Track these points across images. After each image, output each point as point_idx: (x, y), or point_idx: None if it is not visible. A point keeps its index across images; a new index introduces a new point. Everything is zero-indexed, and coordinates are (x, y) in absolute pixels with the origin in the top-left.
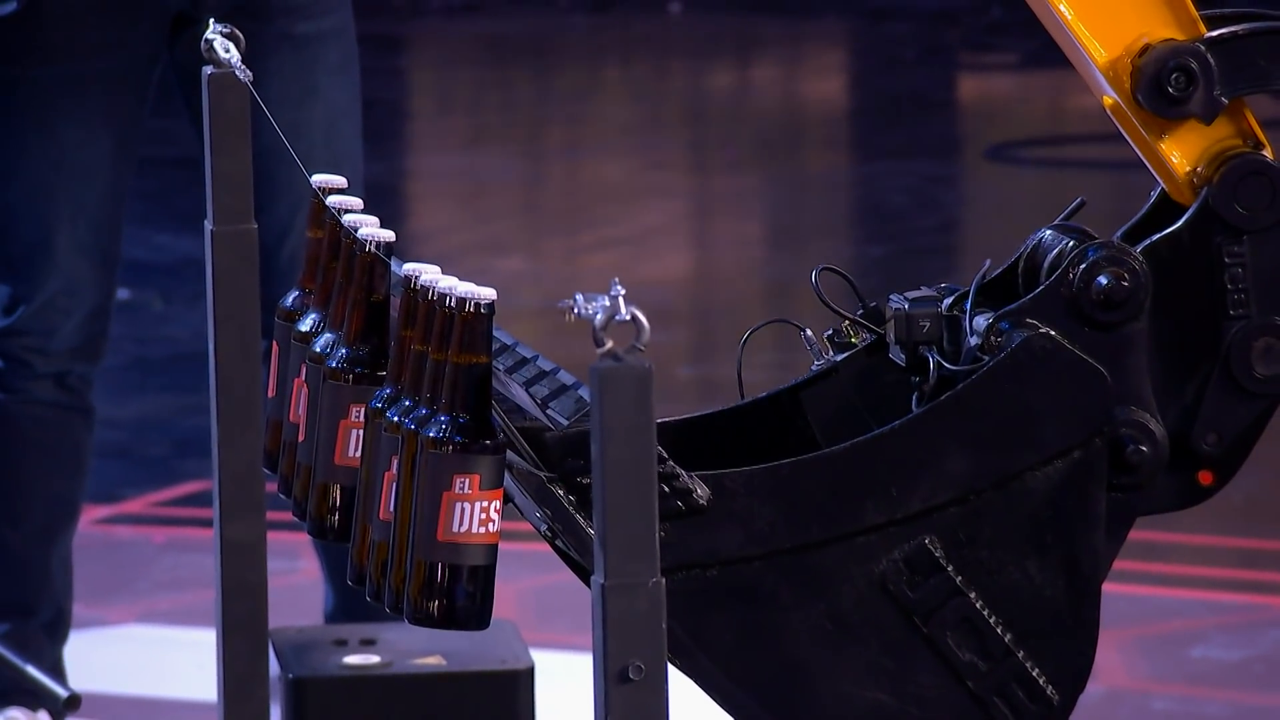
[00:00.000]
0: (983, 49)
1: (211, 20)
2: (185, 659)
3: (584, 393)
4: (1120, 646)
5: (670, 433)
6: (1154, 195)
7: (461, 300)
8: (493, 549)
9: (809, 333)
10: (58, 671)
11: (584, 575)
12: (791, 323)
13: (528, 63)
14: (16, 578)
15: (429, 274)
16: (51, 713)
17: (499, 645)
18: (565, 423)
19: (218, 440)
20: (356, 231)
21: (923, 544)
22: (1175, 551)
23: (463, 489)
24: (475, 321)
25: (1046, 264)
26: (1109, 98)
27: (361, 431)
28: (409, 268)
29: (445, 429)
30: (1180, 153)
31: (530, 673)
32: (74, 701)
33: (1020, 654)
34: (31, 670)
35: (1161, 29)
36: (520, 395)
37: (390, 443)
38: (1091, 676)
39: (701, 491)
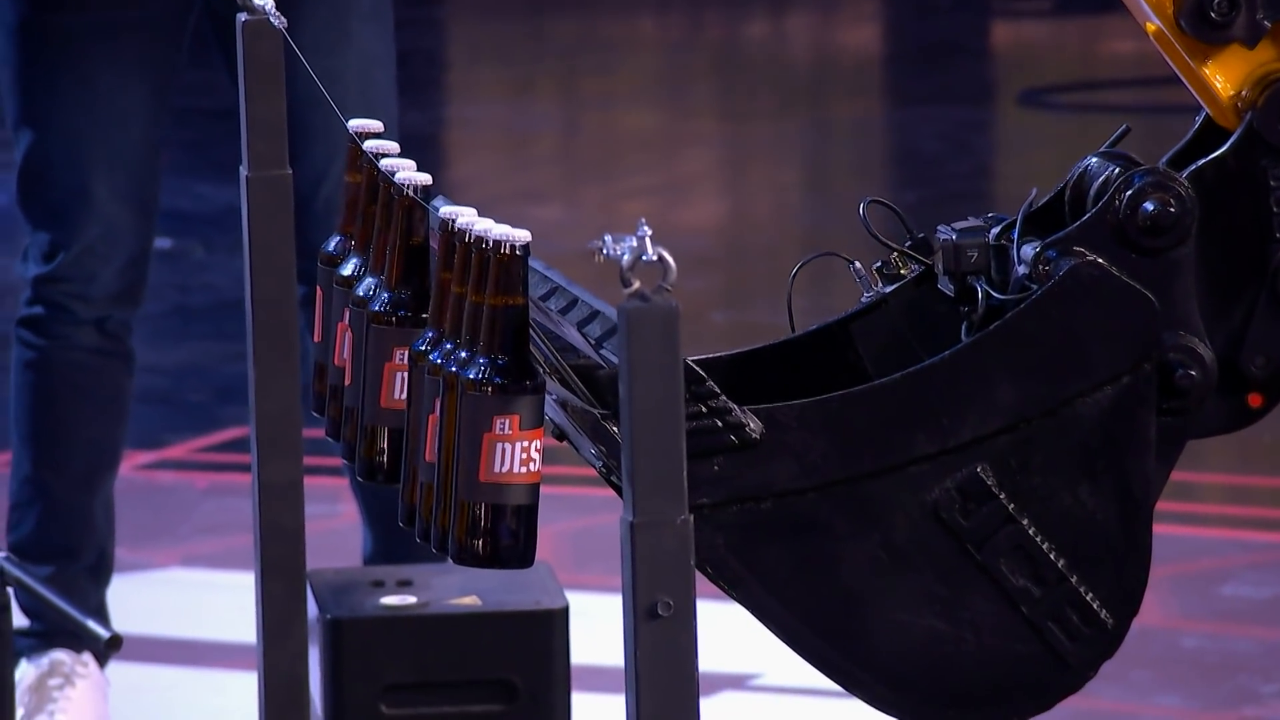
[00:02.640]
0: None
1: None
2: (226, 601)
3: (605, 355)
4: (1151, 585)
5: (722, 367)
6: (1198, 121)
7: (497, 242)
8: (535, 488)
9: (858, 265)
10: (100, 614)
11: None
12: (841, 255)
13: (564, 13)
14: (60, 522)
15: (466, 216)
16: (94, 653)
17: (534, 586)
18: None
19: (254, 384)
20: (394, 175)
21: (975, 472)
22: (1205, 491)
23: (503, 430)
24: (511, 263)
25: (1093, 191)
26: (1152, 24)
27: (406, 374)
28: (446, 211)
29: (484, 371)
30: (1224, 77)
31: (565, 612)
32: (116, 642)
33: (1073, 579)
34: (74, 612)
35: None
36: (573, 335)
37: (433, 385)
38: None
39: (754, 425)
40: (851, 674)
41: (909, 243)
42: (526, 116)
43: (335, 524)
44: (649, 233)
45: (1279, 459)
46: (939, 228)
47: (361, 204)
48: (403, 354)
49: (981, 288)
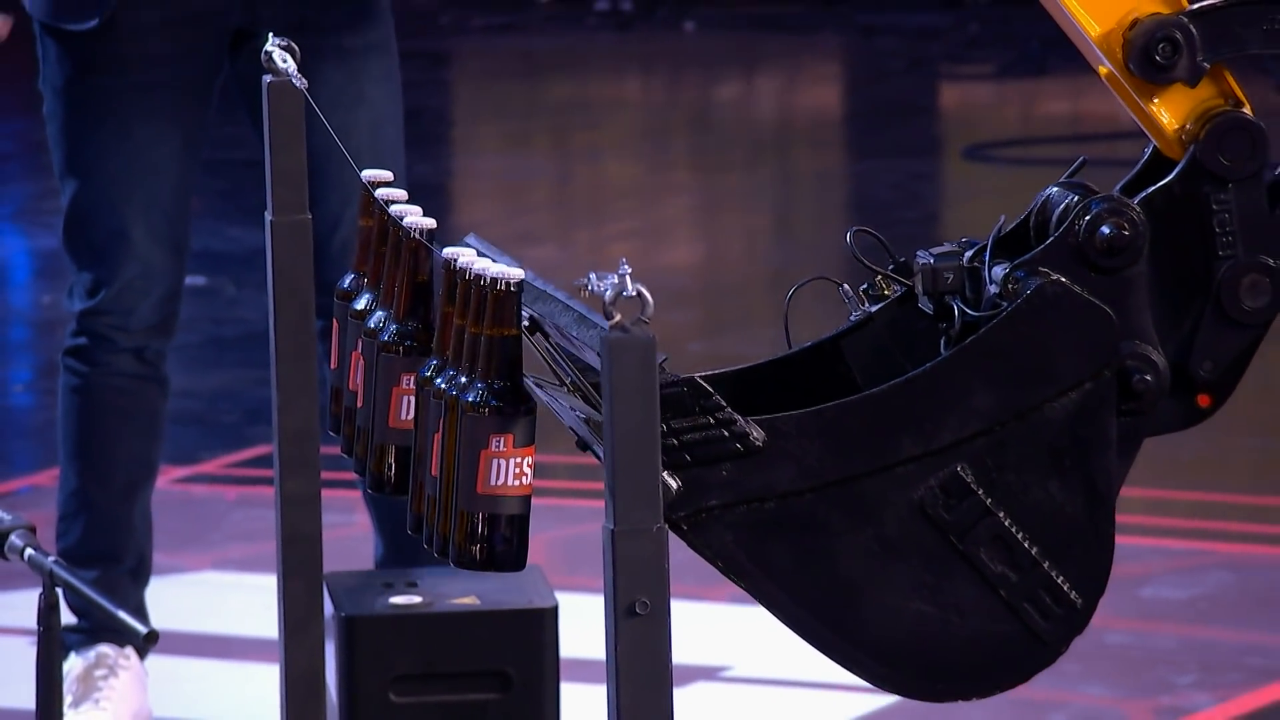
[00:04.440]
0: (961, 61)
1: (270, 34)
2: (252, 601)
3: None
4: None
5: (728, 382)
6: (1146, 153)
7: (494, 279)
8: (526, 500)
9: (846, 287)
10: (140, 612)
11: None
12: (831, 279)
13: (558, 75)
14: (104, 529)
15: (466, 257)
16: (135, 647)
17: (527, 587)
18: None
19: (277, 406)
20: (403, 220)
21: (955, 471)
22: (1130, 504)
23: (498, 447)
24: (506, 298)
25: (1054, 217)
26: (1104, 67)
27: (412, 397)
28: (449, 251)
29: (482, 394)
30: (1169, 113)
31: (554, 611)
32: (153, 637)
33: (1046, 564)
34: (117, 610)
35: (1148, 4)
36: (591, 356)
37: (436, 407)
38: None
39: (757, 434)
40: (849, 655)
41: (891, 266)
42: (523, 167)
43: (350, 532)
44: (629, 271)
45: (1196, 475)
46: (918, 253)
47: (373, 245)
48: (409, 380)
49: (958, 306)
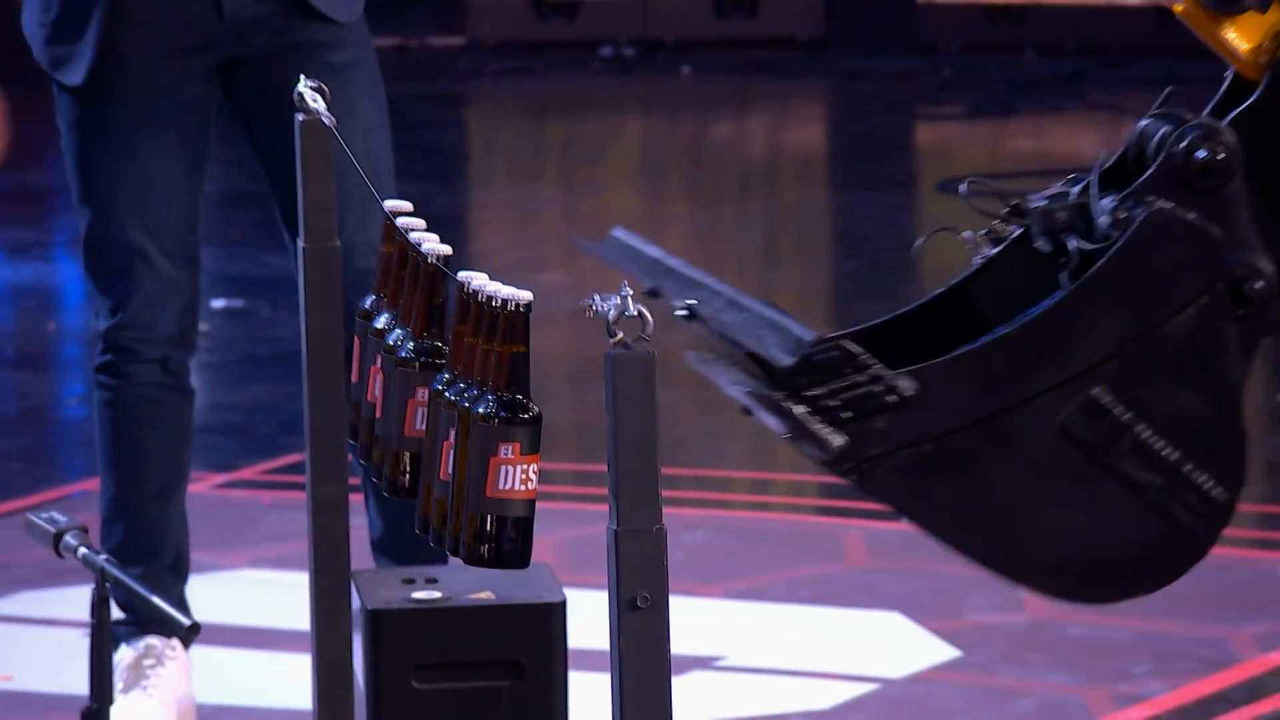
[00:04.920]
0: (935, 103)
1: (302, 76)
2: (286, 596)
3: (794, 329)
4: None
5: (870, 337)
6: (1227, 78)
7: (504, 300)
8: (531, 503)
9: (969, 233)
10: (182, 606)
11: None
12: (953, 229)
13: (565, 115)
14: (143, 530)
15: (479, 280)
16: (180, 638)
17: (537, 583)
18: (790, 358)
19: (309, 418)
20: (421, 246)
21: (1091, 395)
22: None
23: (506, 454)
24: (515, 318)
25: (1151, 147)
26: (1179, 4)
27: (425, 409)
28: (463, 275)
29: (492, 406)
30: (1245, 39)
31: (562, 606)
32: (195, 629)
33: (1187, 467)
34: (162, 604)
35: None
36: (735, 329)
37: (448, 417)
38: (1018, 608)
39: (907, 384)
40: (1019, 572)
41: (1006, 210)
42: (533, 199)
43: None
44: (631, 293)
45: None
46: (1029, 196)
47: (393, 269)
48: (424, 392)
49: (1073, 241)
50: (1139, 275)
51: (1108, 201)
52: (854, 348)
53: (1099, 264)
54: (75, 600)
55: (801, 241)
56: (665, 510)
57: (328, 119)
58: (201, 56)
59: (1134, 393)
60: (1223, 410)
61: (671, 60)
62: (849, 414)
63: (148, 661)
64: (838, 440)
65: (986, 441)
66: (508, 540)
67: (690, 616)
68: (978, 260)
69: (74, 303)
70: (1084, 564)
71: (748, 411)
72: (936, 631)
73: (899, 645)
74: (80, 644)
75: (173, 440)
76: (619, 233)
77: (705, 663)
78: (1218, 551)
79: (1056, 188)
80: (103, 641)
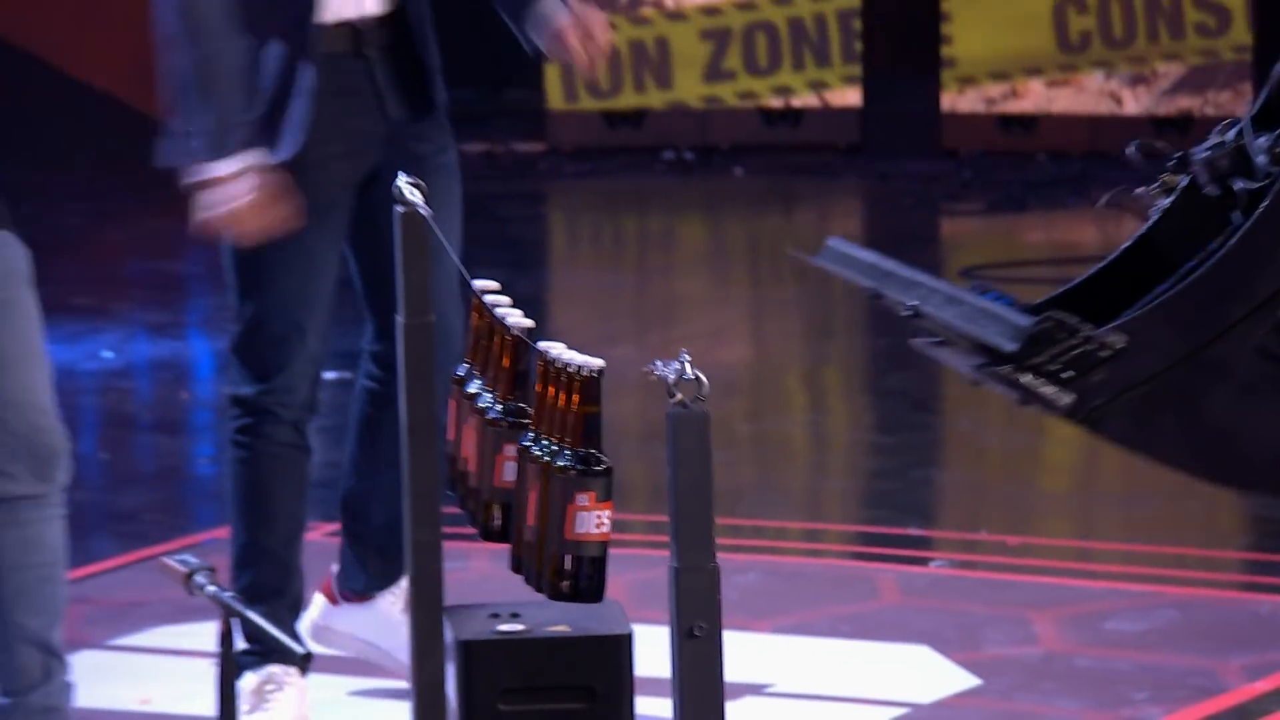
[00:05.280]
0: (956, 200)
1: (399, 173)
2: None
3: (1010, 316)
4: (1054, 621)
5: (1077, 295)
6: None
7: (579, 367)
8: (604, 545)
9: (1144, 190)
10: (296, 638)
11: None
12: (1126, 188)
13: (633, 210)
14: (270, 571)
15: (556, 349)
16: (297, 667)
17: (608, 618)
18: (1012, 344)
19: (408, 472)
20: (506, 321)
21: None
22: (1098, 554)
23: (582, 502)
24: (589, 383)
25: None
26: None
27: (514, 463)
28: (542, 345)
29: (569, 460)
30: None
31: (630, 638)
32: (308, 658)
33: None
34: (280, 635)
35: None
36: (957, 320)
37: (533, 470)
38: (1031, 641)
39: (1117, 337)
40: (1243, 482)
41: (1172, 163)
42: (606, 283)
43: (464, 576)
44: (689, 359)
45: (1150, 532)
46: (1192, 150)
47: (482, 340)
48: (511, 448)
49: (1239, 184)
50: None
51: (1263, 141)
52: (1065, 316)
53: (1267, 199)
54: (204, 633)
55: (842, 320)
56: (721, 555)
57: (424, 210)
58: (362, 159)
59: None
60: None
61: (725, 163)
62: (1070, 373)
63: (269, 687)
64: (1065, 399)
65: (1195, 375)
66: (584, 577)
67: (742, 648)
68: (1154, 213)
69: (204, 375)
70: None
71: (977, 383)
72: (959, 662)
73: (927, 674)
74: (209, 671)
75: (297, 493)
76: (834, 242)
77: (756, 689)
78: (1208, 593)
79: (1213, 137)
80: (228, 669)
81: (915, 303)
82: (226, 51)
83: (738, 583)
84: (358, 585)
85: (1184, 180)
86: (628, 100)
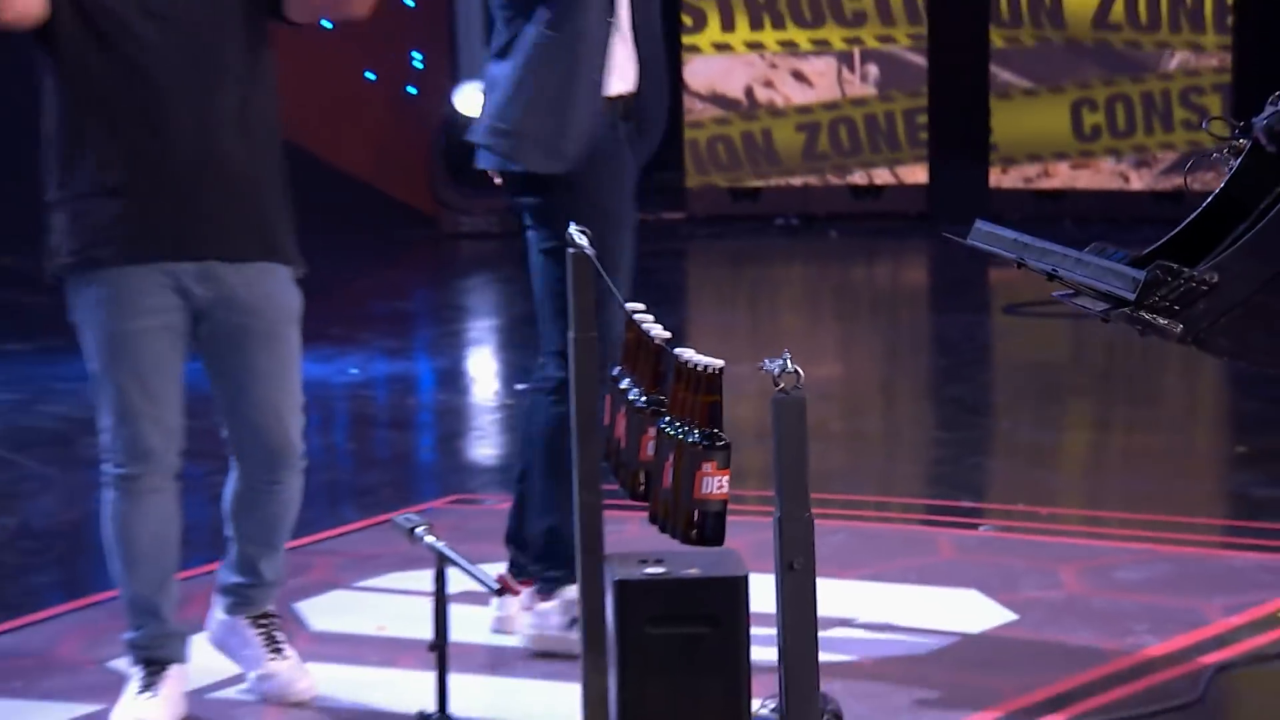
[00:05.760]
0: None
1: (574, 223)
2: None
3: (1127, 271)
4: (1075, 571)
5: (1176, 243)
6: None
7: (705, 366)
8: (724, 503)
9: (1217, 155)
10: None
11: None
12: (1206, 151)
13: (751, 264)
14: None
15: (688, 353)
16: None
17: (730, 563)
18: (1131, 294)
19: (576, 450)
20: (650, 333)
21: None
22: (1108, 521)
23: (707, 470)
24: (712, 378)
25: None
26: None
27: (654, 441)
28: (678, 351)
29: (697, 437)
30: None
31: (745, 579)
32: (502, 590)
33: None
34: (474, 570)
35: None
36: (1086, 276)
37: (669, 445)
38: (1057, 587)
39: (1211, 275)
40: None
41: (1238, 130)
42: (729, 318)
43: (620, 536)
44: (789, 355)
45: (1150, 502)
46: (1253, 120)
47: (633, 348)
48: (653, 430)
49: None
50: None
51: None
52: (1168, 264)
53: None
54: (424, 577)
55: (911, 346)
56: (816, 520)
57: (590, 251)
58: (630, 180)
59: None
60: None
61: (823, 227)
62: (1178, 307)
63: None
64: (1176, 328)
65: (1276, 295)
66: (709, 528)
67: (832, 592)
68: (1228, 171)
69: (426, 386)
70: None
71: (1106, 319)
72: (1001, 603)
73: (975, 612)
74: (428, 603)
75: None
76: (982, 223)
77: (843, 622)
78: (1194, 550)
79: (1268, 108)
80: (441, 601)
81: (1052, 266)
82: (580, 93)
83: (829, 541)
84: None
85: (1248, 144)
86: (747, 180)
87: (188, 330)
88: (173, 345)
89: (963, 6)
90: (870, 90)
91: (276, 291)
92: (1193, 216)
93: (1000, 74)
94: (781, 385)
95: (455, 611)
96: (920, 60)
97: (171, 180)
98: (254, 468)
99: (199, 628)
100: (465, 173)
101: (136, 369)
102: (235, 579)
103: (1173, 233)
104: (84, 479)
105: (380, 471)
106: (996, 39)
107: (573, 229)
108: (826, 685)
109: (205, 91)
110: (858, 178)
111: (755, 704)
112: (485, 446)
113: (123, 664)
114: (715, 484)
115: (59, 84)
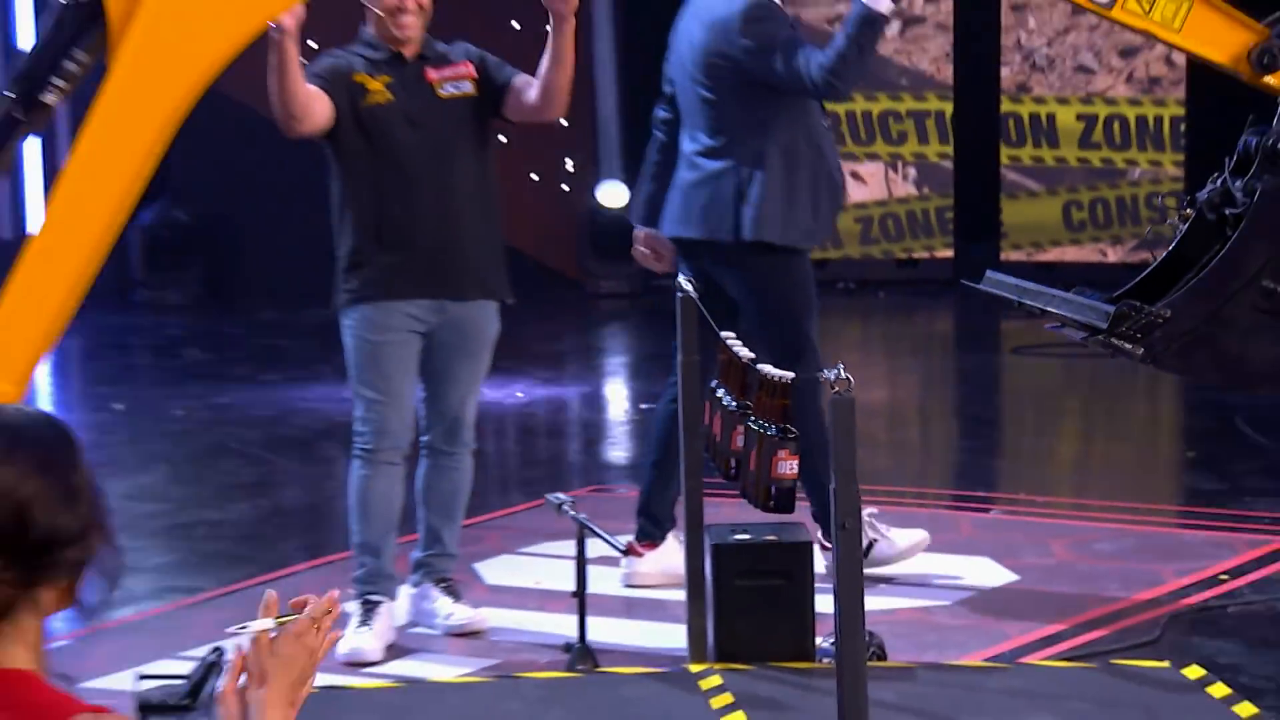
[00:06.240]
0: (1011, 309)
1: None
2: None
3: (1102, 306)
4: (1063, 544)
5: (1139, 287)
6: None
7: (779, 377)
8: (794, 481)
9: (1173, 221)
10: (617, 540)
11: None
12: (1163, 209)
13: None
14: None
15: (766, 368)
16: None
17: (799, 532)
18: (1104, 323)
19: (684, 445)
20: (739, 353)
21: (1262, 284)
22: (1089, 506)
23: (781, 456)
24: (784, 387)
25: (1254, 146)
26: (1243, 75)
27: (742, 435)
28: (760, 367)
29: (774, 431)
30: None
31: (810, 544)
32: (627, 550)
33: None
34: (606, 537)
35: (1248, 37)
36: (1071, 312)
37: (753, 438)
38: (1050, 556)
39: (1165, 311)
40: (1251, 386)
41: (1186, 205)
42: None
43: (717, 515)
44: (843, 366)
45: (1122, 492)
46: (1197, 194)
47: (725, 366)
48: (741, 428)
49: (1228, 211)
50: (1268, 217)
51: (1239, 183)
52: (1133, 302)
53: (1245, 221)
54: (569, 545)
55: (940, 378)
56: (865, 507)
57: (694, 293)
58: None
59: None
60: None
61: (873, 290)
62: (1140, 335)
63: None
64: (1139, 351)
65: (1216, 326)
66: (782, 500)
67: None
68: (1178, 235)
69: (573, 404)
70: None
71: (1085, 346)
72: (1007, 567)
73: (987, 573)
74: (571, 564)
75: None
76: (991, 273)
77: (886, 580)
78: (1155, 529)
79: (1210, 187)
80: (582, 560)
81: (1043, 305)
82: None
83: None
84: (654, 537)
85: (1193, 213)
86: (816, 253)
87: (419, 346)
88: (409, 357)
89: (980, 129)
90: (911, 190)
91: (484, 323)
92: (1151, 268)
93: (1009, 179)
94: (837, 389)
95: (592, 569)
96: (949, 168)
97: (416, 242)
98: (439, 441)
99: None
100: (603, 247)
101: (383, 372)
102: (423, 553)
103: (1137, 279)
104: (320, 472)
105: (538, 468)
106: (1005, 155)
107: (682, 279)
108: (872, 625)
109: (444, 175)
110: (901, 254)
111: (819, 640)
112: (617, 450)
113: (349, 606)
114: (787, 467)
115: (340, 172)
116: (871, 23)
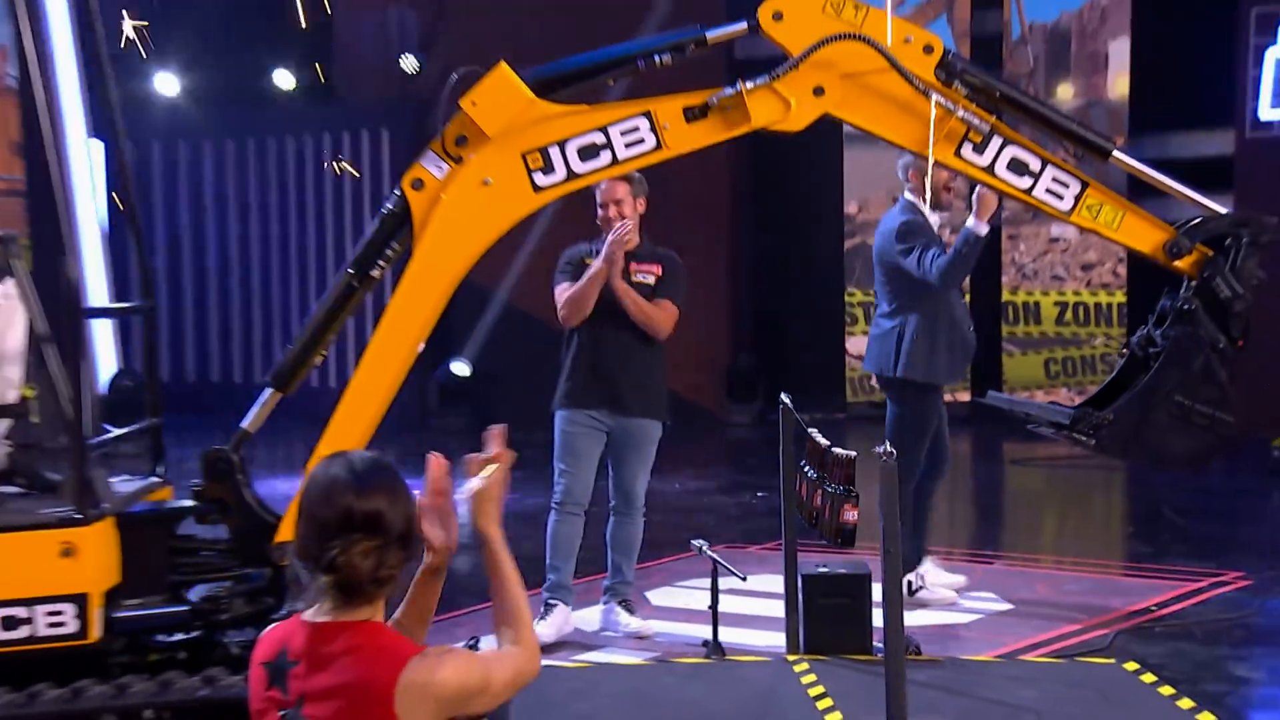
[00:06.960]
0: (1007, 417)
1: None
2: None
3: (1068, 410)
4: (1043, 585)
5: (1096, 398)
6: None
7: (846, 454)
8: (855, 526)
9: (1115, 357)
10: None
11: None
12: (1114, 344)
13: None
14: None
15: (838, 450)
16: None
17: (860, 566)
18: (1067, 422)
19: (784, 507)
20: (819, 440)
21: (1176, 398)
22: (1063, 561)
23: (847, 507)
24: (850, 461)
25: (1169, 306)
26: (1163, 263)
27: (819, 495)
28: (833, 449)
29: (842, 491)
30: (1186, 265)
31: (869, 575)
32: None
33: (1216, 413)
34: (727, 564)
35: (1163, 235)
36: (1047, 415)
37: (826, 497)
38: (1034, 592)
39: (1109, 415)
40: (1170, 467)
41: (1124, 347)
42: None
43: (809, 556)
44: (889, 444)
45: (1082, 549)
46: (1131, 340)
47: (810, 449)
48: (819, 492)
49: (1151, 350)
50: (1181, 355)
51: (1157, 331)
52: (1088, 409)
53: (1163, 356)
54: (707, 580)
55: (958, 480)
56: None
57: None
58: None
59: (1192, 392)
60: (1221, 392)
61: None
62: (1091, 430)
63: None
64: (1091, 442)
65: (1144, 426)
66: (846, 539)
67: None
68: (1120, 362)
69: (709, 496)
70: (1191, 460)
71: (1054, 439)
72: (1004, 599)
73: (991, 603)
74: (706, 592)
75: None
76: (992, 393)
77: (920, 604)
78: (1106, 576)
79: (1140, 330)
80: (715, 585)
81: (1026, 410)
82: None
83: None
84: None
85: (1129, 354)
86: (875, 396)
87: (601, 439)
88: (593, 445)
89: (988, 313)
90: None
91: (650, 429)
92: (1101, 387)
93: (1007, 347)
94: (884, 459)
95: (723, 595)
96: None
97: (606, 374)
98: (620, 505)
99: (586, 603)
100: (735, 389)
101: (573, 452)
102: (611, 581)
103: (1092, 394)
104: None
105: (687, 532)
106: (1005, 330)
107: (785, 398)
108: (912, 632)
109: (620, 331)
110: None
111: (875, 643)
112: (747, 522)
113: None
114: (851, 516)
115: (568, 337)
116: (973, 241)
